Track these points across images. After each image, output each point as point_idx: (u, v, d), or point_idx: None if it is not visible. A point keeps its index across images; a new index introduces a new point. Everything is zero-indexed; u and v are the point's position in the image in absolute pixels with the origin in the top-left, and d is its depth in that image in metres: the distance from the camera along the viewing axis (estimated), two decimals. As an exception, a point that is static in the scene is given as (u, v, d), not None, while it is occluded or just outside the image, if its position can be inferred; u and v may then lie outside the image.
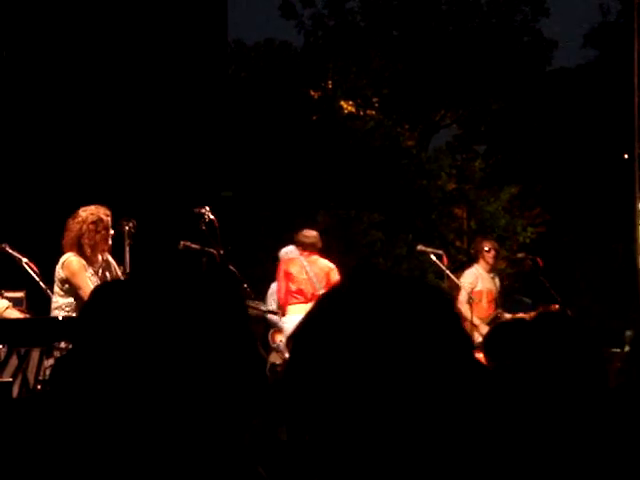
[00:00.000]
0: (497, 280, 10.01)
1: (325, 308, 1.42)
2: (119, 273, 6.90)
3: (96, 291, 1.51)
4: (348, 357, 1.35)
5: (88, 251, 6.82)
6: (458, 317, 1.43)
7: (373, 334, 1.35)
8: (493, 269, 9.98)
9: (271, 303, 9.47)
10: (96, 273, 6.85)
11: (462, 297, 9.49)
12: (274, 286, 9.48)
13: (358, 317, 1.37)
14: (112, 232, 7.00)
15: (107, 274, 6.87)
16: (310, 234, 9.32)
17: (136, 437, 1.37)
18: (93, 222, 6.86)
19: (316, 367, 1.37)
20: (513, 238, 22.04)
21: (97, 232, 6.86)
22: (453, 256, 20.28)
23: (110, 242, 7.01)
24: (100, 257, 6.95)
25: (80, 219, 6.86)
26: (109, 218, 6.96)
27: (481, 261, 9.89)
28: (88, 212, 6.90)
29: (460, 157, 23.86)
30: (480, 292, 9.67)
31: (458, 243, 23.48)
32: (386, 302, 1.39)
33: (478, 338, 8.13)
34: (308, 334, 1.41)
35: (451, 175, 22.96)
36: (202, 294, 1.44)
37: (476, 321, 9.21)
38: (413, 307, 1.39)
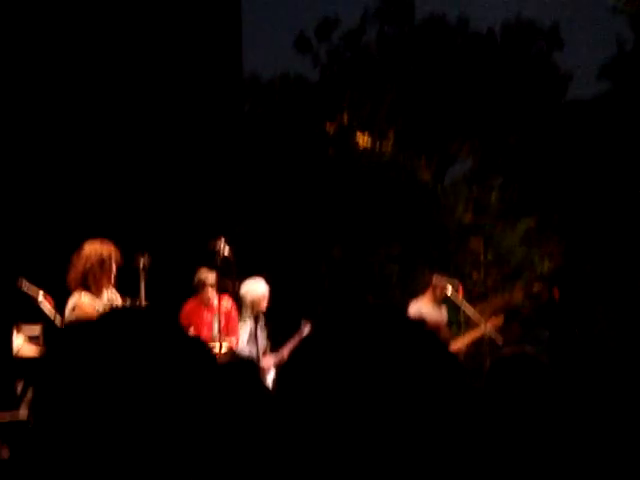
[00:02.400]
0: (443, 310, 10.34)
1: (307, 352, 1.40)
2: None
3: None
4: (333, 404, 1.33)
5: (93, 288, 6.83)
6: (441, 347, 1.40)
7: (356, 374, 1.34)
8: (438, 301, 10.25)
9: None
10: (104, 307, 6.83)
11: None
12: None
13: (336, 362, 1.36)
14: (115, 268, 6.97)
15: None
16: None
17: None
18: (97, 261, 6.88)
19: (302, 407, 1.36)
20: (530, 269, 21.95)
21: (102, 271, 6.88)
22: (469, 289, 20.19)
23: (113, 277, 7.00)
24: (105, 292, 6.95)
25: (84, 256, 6.88)
26: (113, 255, 6.94)
27: (428, 293, 10.19)
28: (92, 250, 6.91)
29: (476, 189, 23.82)
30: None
31: (475, 275, 23.38)
32: (368, 343, 1.37)
33: None
34: (292, 379, 1.39)
35: (468, 207, 22.93)
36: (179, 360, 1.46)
37: None
38: (391, 346, 1.37)
